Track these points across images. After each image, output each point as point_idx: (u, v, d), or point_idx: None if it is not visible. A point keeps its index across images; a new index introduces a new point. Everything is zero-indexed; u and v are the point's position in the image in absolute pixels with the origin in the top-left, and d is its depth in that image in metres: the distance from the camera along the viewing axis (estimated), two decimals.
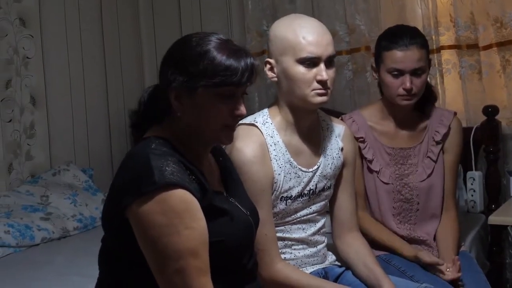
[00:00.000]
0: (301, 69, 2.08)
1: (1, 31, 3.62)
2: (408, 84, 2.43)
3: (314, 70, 2.08)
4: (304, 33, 2.08)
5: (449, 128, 2.59)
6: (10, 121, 3.66)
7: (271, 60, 2.16)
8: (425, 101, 2.59)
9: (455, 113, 2.64)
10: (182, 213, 1.55)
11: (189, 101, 1.67)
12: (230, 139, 1.75)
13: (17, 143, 3.69)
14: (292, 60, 2.09)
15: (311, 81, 2.08)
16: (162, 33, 4.51)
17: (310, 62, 2.08)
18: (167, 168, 1.57)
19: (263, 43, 3.96)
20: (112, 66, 4.34)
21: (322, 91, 2.09)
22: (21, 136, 3.71)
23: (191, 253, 1.55)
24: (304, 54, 2.07)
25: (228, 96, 1.66)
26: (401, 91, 2.46)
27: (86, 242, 3.19)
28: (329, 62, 2.11)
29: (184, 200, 1.57)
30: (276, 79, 2.16)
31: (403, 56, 2.43)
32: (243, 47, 1.72)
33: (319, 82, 2.08)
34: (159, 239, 1.55)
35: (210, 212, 1.63)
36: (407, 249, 2.51)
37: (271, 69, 2.16)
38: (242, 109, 1.70)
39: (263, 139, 2.13)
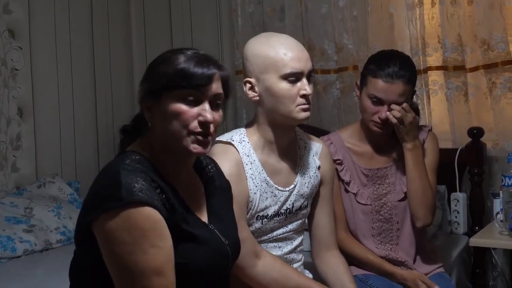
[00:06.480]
0: (285, 85, 2.09)
1: None
2: (383, 115, 2.45)
3: (298, 85, 2.09)
4: (284, 50, 2.09)
5: (424, 143, 2.59)
6: None
7: (251, 80, 2.14)
8: None
9: (430, 129, 2.65)
10: (148, 232, 1.53)
11: (157, 109, 1.67)
12: (198, 148, 1.66)
13: (3, 154, 3.68)
14: (275, 77, 2.09)
15: (295, 96, 2.09)
16: (153, 48, 4.50)
17: (294, 77, 2.09)
18: (135, 185, 1.55)
19: None
20: (102, 80, 4.33)
21: (306, 106, 2.11)
22: (7, 148, 3.70)
23: (156, 272, 1.53)
24: (288, 70, 2.08)
25: (192, 101, 1.65)
26: (375, 118, 2.48)
27: (69, 255, 3.02)
28: (309, 77, 2.13)
29: (150, 218, 1.54)
30: (257, 98, 2.15)
31: (386, 88, 2.43)
32: (217, 60, 1.72)
33: (302, 96, 2.09)
34: (124, 256, 1.53)
35: (177, 233, 1.60)
36: (398, 269, 2.52)
37: (252, 88, 2.14)
38: (208, 116, 1.64)
39: (239, 157, 2.13)
